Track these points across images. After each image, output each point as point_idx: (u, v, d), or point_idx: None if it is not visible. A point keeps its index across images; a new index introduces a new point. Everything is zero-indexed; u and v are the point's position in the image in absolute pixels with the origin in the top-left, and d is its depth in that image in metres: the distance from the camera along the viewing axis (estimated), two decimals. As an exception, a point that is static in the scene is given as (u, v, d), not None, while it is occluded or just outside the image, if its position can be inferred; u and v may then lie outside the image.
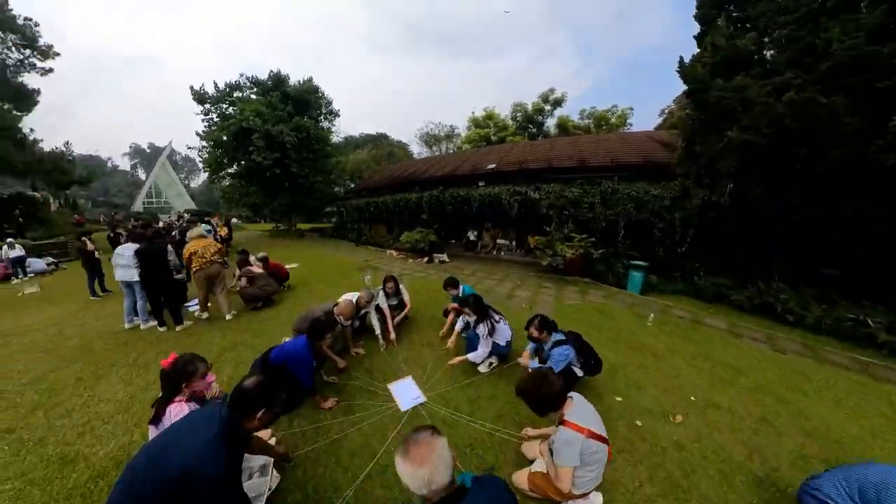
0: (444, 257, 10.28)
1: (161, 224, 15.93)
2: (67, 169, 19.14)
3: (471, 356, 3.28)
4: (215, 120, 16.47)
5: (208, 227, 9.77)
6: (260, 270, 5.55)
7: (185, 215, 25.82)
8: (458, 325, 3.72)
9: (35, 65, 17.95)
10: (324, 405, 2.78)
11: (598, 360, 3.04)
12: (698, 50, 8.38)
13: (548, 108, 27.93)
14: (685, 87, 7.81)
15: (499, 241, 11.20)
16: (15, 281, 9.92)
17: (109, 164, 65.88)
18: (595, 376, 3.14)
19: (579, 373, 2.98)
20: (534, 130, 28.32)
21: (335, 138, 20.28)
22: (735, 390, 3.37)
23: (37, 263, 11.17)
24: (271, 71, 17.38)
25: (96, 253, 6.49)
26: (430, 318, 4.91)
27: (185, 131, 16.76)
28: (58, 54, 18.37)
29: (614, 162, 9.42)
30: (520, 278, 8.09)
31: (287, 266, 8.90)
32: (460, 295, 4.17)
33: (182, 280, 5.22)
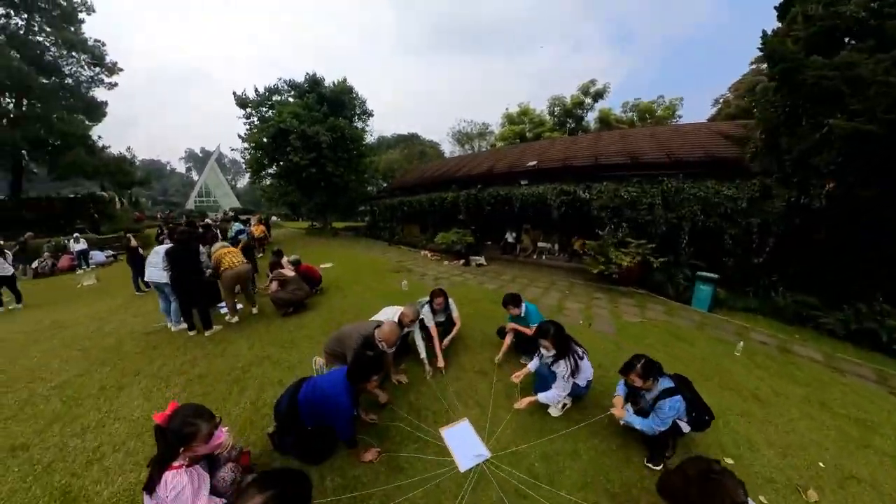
0: (482, 260, 9.69)
1: (208, 221, 16.75)
2: (129, 171, 21.10)
3: (542, 397, 2.64)
4: (256, 123, 17.03)
5: (240, 227, 9.84)
6: (291, 273, 5.30)
7: (230, 213, 27.37)
8: (532, 365, 2.96)
9: (103, 80, 19.92)
10: (364, 457, 2.25)
11: (710, 413, 2.35)
12: (779, 24, 7.24)
13: (588, 100, 26.37)
14: (741, 73, 6.70)
15: (539, 243, 10.44)
16: (79, 271, 10.79)
17: (168, 168, 72.18)
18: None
19: (685, 428, 2.30)
20: (572, 125, 26.90)
21: (369, 138, 20.32)
22: (873, 455, 2.57)
23: (98, 255, 12.19)
24: (307, 73, 17.73)
25: (140, 250, 6.65)
26: (480, 337, 4.28)
27: (232, 136, 17.79)
28: (121, 70, 20.24)
29: (671, 157, 8.38)
30: (566, 287, 7.35)
31: (321, 266, 8.78)
32: (522, 314, 3.52)
33: (213, 280, 5.08)
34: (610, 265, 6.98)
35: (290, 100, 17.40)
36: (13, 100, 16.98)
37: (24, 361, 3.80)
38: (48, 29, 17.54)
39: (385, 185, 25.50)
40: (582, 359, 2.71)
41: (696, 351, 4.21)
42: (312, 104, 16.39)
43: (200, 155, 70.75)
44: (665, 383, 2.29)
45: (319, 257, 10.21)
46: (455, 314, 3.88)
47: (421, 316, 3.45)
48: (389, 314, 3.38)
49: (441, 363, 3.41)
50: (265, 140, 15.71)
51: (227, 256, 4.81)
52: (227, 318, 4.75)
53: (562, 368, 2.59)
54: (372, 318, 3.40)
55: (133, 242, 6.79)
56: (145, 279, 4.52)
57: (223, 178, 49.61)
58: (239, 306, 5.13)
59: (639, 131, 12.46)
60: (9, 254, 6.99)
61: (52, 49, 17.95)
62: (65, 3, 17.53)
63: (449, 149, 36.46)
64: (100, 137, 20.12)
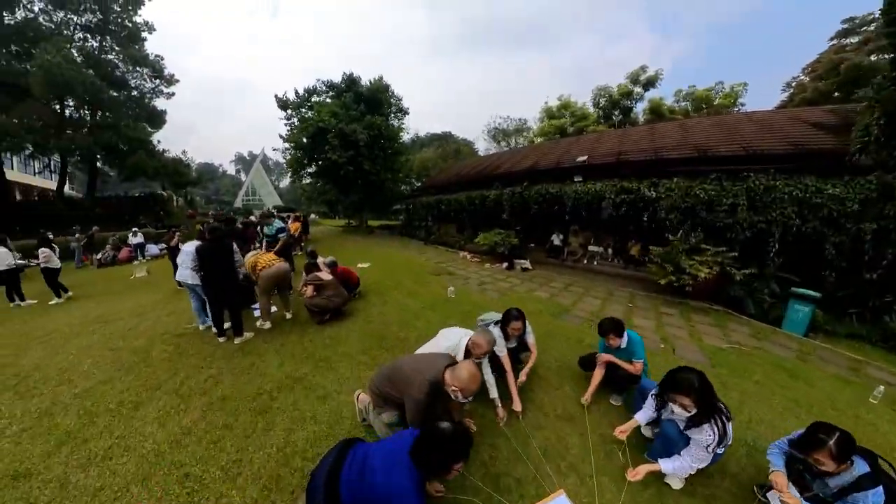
0: (527, 264, 8.95)
1: (252, 218, 17.32)
2: (184, 172, 22.73)
3: (667, 467, 1.96)
4: (296, 123, 17.40)
5: (280, 224, 9.80)
6: (328, 277, 4.90)
7: (271, 210, 28.57)
8: (642, 417, 2.28)
9: (163, 91, 21.77)
10: None
11: None
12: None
13: (637, 90, 24.34)
14: (817, 52, 5.46)
15: (590, 247, 9.50)
16: (135, 262, 11.55)
17: (220, 170, 77.66)
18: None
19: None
20: (619, 118, 25.02)
21: (405, 136, 20.17)
22: None
23: (152, 248, 13.10)
24: (344, 73, 17.87)
25: (180, 245, 6.68)
26: (555, 365, 3.56)
27: (277, 140, 18.80)
28: (178, 80, 22.01)
29: (748, 150, 7.17)
30: (627, 298, 6.46)
31: (358, 265, 8.49)
32: (623, 345, 2.75)
33: (247, 284, 4.81)
34: (682, 276, 5.97)
35: (328, 100, 17.61)
36: (89, 111, 19.03)
37: (60, 358, 3.77)
38: (117, 48, 19.53)
39: (419, 183, 25.38)
40: (730, 420, 1.96)
41: (819, 394, 3.26)
42: (350, 103, 16.46)
43: (248, 158, 75.44)
44: (861, 467, 1.55)
45: (356, 256, 10.01)
46: (531, 340, 3.10)
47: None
48: (453, 340, 2.59)
49: (518, 406, 2.67)
50: (304, 140, 16.00)
51: (262, 258, 4.62)
52: (258, 323, 4.46)
53: (705, 435, 1.85)
54: (430, 347, 2.72)
55: (173, 241, 6.86)
56: (176, 278, 4.36)
57: (267, 178, 52.88)
58: (273, 309, 4.88)
59: (701, 121, 10.98)
60: (57, 248, 7.28)
61: (120, 65, 19.94)
62: (130, 25, 19.45)
63: (483, 147, 35.71)
64: (159, 142, 21.92)
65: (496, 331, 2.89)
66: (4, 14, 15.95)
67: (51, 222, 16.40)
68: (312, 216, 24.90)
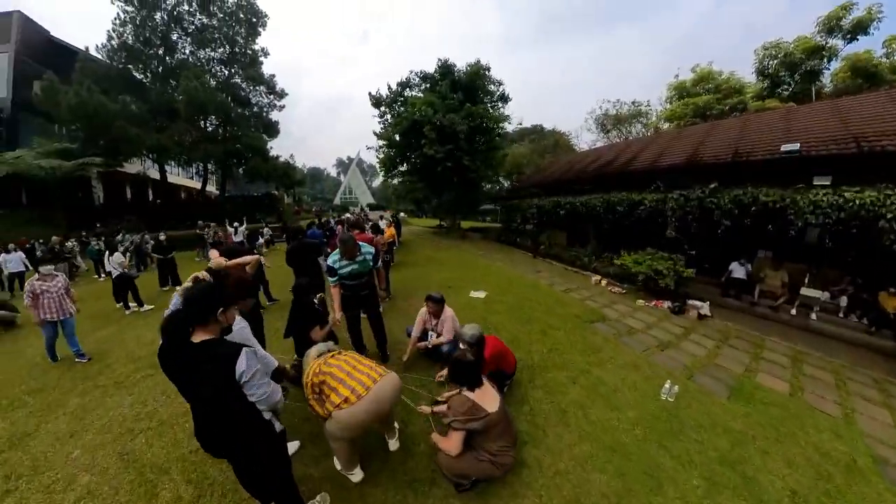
0: (706, 309, 5.85)
1: (347, 215, 16.75)
2: (291, 174, 25.46)
3: None
4: (389, 120, 16.65)
5: (371, 251, 6.91)
6: (494, 406, 2.11)
7: (367, 209, 29.65)
8: None
9: (275, 105, 24.89)
10: None
11: None
12: None
13: (832, 43, 17.18)
14: None
15: (803, 290, 5.89)
16: None
17: (325, 173, 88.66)
18: None
19: None
20: (793, 88, 18.09)
21: (508, 126, 17.60)
22: None
23: None
24: (439, 59, 16.33)
25: (262, 260, 5.32)
26: None
27: (371, 142, 19.29)
28: (287, 94, 25.07)
29: None
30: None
31: (471, 294, 6.38)
32: None
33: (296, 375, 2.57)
34: None
35: (421, 94, 16.36)
36: (221, 126, 22.63)
37: (67, 450, 2.76)
38: (241, 72, 23.05)
39: (507, 183, 22.80)
40: None
41: None
42: (446, 92, 14.88)
43: (346, 161, 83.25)
44: None
45: (463, 276, 8.01)
46: None
47: None
48: None
49: None
50: (397, 137, 15.10)
51: (330, 368, 2.15)
52: (338, 466, 2.38)
53: None
54: None
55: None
56: None
57: (362, 178, 57.67)
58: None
59: None
60: (119, 252, 6.73)
61: (244, 85, 23.43)
62: (251, 52, 23.21)
63: (589, 139, 30.93)
64: (271, 148, 25.02)
65: None
66: (167, 58, 20.67)
67: (195, 217, 19.11)
68: (402, 215, 24.45)
